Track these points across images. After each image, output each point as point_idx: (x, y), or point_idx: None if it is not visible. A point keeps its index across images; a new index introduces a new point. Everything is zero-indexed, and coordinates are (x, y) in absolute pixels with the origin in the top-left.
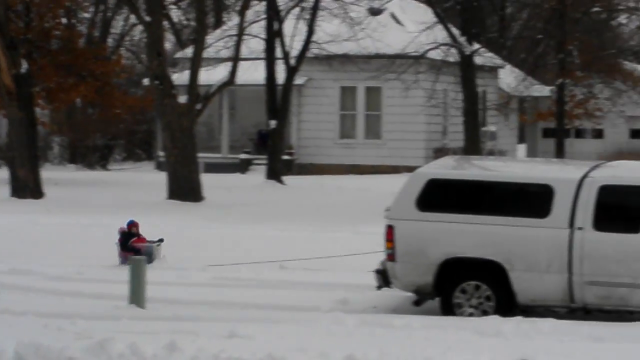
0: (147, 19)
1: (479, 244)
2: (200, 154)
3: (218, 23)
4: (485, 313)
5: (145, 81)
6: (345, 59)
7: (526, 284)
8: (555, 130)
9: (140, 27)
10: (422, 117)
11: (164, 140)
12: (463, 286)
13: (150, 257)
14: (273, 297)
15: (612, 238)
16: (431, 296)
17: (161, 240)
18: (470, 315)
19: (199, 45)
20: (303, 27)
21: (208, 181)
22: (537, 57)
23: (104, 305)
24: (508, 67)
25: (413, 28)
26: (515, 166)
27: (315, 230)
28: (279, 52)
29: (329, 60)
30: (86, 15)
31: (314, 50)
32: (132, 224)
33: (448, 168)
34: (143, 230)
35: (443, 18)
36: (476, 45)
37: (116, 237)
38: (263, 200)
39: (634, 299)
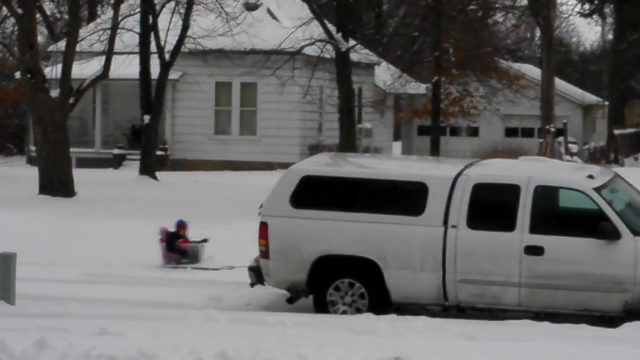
0: (19, 11)
1: (353, 241)
2: (72, 149)
3: (92, 16)
4: (359, 311)
5: (17, 74)
6: (221, 54)
7: (400, 282)
8: (431, 128)
9: (12, 20)
10: (298, 114)
11: (35, 134)
12: (337, 284)
13: (196, 258)
14: (145, 294)
15: (485, 236)
16: (305, 294)
17: (205, 241)
18: (344, 313)
19: (72, 38)
20: (178, 22)
21: (80, 176)
22: (413, 55)
23: None
24: (384, 64)
25: (289, 24)
26: (390, 164)
27: (189, 226)
28: (153, 47)
29: (204, 55)
30: None
31: (188, 45)
32: (181, 226)
33: (322, 165)
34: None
35: (319, 14)
36: (352, 42)
37: (157, 237)
38: (136, 196)
39: (506, 297)
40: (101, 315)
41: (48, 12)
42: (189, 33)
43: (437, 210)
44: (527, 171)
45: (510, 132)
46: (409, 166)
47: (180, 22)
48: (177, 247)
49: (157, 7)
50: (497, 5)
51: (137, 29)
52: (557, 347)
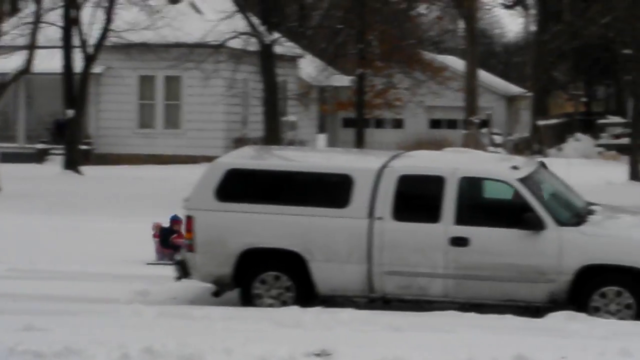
0: None
1: (279, 234)
2: None
3: (14, 10)
4: (285, 304)
5: None
6: (144, 47)
7: (326, 274)
8: (356, 120)
9: None
10: (222, 107)
11: None
12: (263, 277)
13: None
14: (71, 289)
15: (411, 228)
16: (230, 287)
17: None
18: (270, 305)
19: None
20: (101, 15)
21: (3, 171)
22: (337, 47)
23: None
24: (309, 56)
25: (213, 17)
26: (315, 156)
27: (113, 220)
28: (76, 41)
29: (128, 49)
30: None
31: (112, 39)
32: (176, 221)
33: (247, 158)
34: None
35: (243, 6)
36: (276, 35)
37: (151, 232)
38: (60, 191)
39: (432, 288)
40: (27, 311)
41: None
42: (112, 27)
43: (363, 202)
44: (452, 162)
45: (435, 124)
46: (334, 158)
47: (104, 16)
48: (171, 243)
49: (80, 1)
50: None
51: (60, 23)
52: (483, 337)
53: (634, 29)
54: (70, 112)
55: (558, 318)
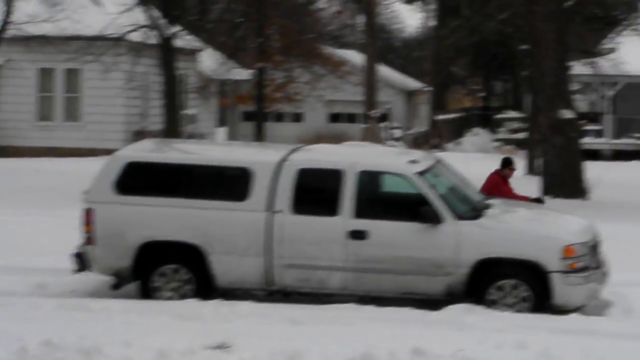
0: None
1: (178, 227)
2: None
3: None
4: (184, 296)
5: None
6: (44, 40)
7: (225, 267)
8: (255, 113)
9: None
10: (122, 100)
11: None
12: (162, 269)
13: None
14: None
15: (310, 221)
16: (130, 280)
17: None
18: (169, 298)
19: None
20: (1, 7)
21: None
22: (237, 41)
23: None
24: (209, 50)
25: (113, 9)
26: (215, 149)
27: (11, 213)
28: None
29: (27, 41)
30: None
31: (11, 31)
32: None
33: (147, 151)
34: None
35: None
36: (176, 28)
37: None
38: None
39: (332, 281)
40: None
41: None
42: (11, 19)
43: (262, 195)
44: (351, 156)
45: (334, 118)
46: (234, 152)
47: (4, 8)
48: None
49: None
50: None
51: None
52: (381, 330)
53: (531, 26)
54: None
55: (456, 311)
